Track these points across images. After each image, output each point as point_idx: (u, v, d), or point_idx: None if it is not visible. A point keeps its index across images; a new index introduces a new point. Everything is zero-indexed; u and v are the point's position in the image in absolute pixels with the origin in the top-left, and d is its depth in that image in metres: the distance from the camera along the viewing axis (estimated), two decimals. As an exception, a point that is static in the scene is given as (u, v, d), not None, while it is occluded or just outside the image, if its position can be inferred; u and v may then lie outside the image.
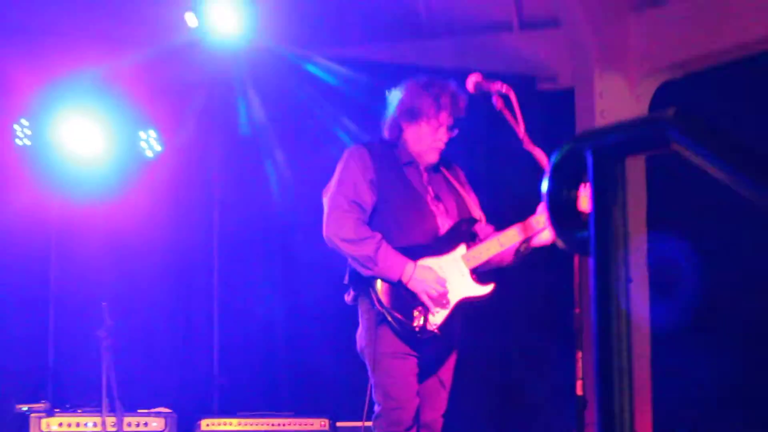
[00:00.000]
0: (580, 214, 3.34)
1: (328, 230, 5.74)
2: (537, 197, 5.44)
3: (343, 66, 9.58)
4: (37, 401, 7.88)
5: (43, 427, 7.62)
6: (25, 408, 7.74)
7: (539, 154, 5.41)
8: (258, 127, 9.09)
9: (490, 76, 5.67)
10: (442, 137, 5.81)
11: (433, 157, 5.86)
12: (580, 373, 5.30)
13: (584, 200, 3.25)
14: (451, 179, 5.96)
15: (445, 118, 5.77)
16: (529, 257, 5.91)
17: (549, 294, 8.96)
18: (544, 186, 3.69)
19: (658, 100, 9.17)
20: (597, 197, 2.99)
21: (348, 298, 5.85)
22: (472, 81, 5.60)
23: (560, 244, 4.23)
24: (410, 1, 9.91)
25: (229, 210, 9.07)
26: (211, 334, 9.11)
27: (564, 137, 4.08)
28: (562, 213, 3.33)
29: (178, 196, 8.98)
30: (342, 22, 9.80)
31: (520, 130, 5.47)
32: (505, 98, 5.50)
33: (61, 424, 7.67)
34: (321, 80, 9.27)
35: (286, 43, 9.52)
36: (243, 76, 9.21)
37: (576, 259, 5.28)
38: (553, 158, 3.38)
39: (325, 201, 5.81)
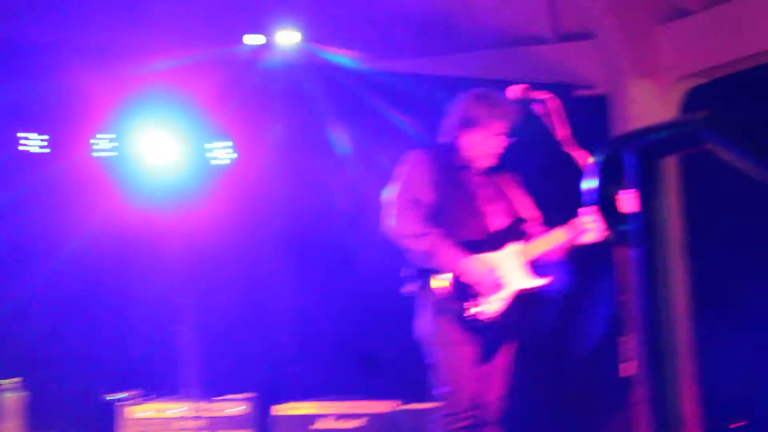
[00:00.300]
0: (618, 210, 3.48)
1: (390, 226, 5.80)
2: (578, 196, 5.53)
3: (395, 78, 9.63)
4: (123, 391, 8.01)
5: (130, 414, 7.77)
6: (113, 397, 7.88)
7: (580, 156, 5.46)
8: (323, 134, 9.12)
9: (531, 85, 5.69)
10: (494, 144, 5.82)
11: (486, 162, 5.87)
12: (624, 357, 5.29)
13: (622, 200, 3.39)
14: (504, 182, 5.98)
15: (497, 126, 5.78)
16: (574, 253, 5.88)
17: (593, 285, 9.01)
18: (590, 184, 3.80)
19: (687, 104, 9.21)
20: (640, 193, 3.13)
21: (407, 290, 5.87)
22: (515, 90, 5.64)
23: (606, 237, 4.34)
24: (453, 18, 9.92)
25: (297, 211, 9.05)
26: (285, 326, 9.15)
27: (599, 141, 4.20)
28: (607, 208, 3.45)
29: (250, 201, 8.99)
30: (393, 37, 9.89)
31: (562, 134, 5.50)
32: (544, 104, 5.54)
33: (146, 412, 7.81)
34: (375, 91, 9.28)
35: (341, 57, 9.62)
36: (306, 88, 9.23)
37: (618, 252, 5.29)
38: (597, 159, 3.49)
39: (388, 199, 5.85)
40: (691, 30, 9.30)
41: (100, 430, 7.97)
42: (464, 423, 5.65)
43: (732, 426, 8.54)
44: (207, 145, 9.11)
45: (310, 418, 7.92)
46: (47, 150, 8.91)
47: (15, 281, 8.65)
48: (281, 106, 9.11)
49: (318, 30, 9.33)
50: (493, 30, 9.93)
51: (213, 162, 9.16)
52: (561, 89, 5.65)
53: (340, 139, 9.11)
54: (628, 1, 9.50)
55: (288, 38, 9.00)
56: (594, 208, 3.92)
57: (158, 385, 8.15)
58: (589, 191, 3.88)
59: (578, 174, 5.07)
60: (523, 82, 5.66)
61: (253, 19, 9.20)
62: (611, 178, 3.80)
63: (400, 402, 8.01)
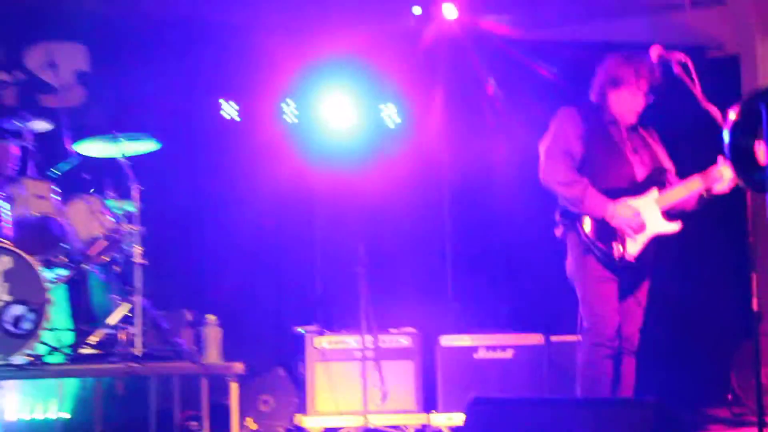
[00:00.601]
0: (756, 159, 3.71)
1: (544, 175, 5.95)
2: (714, 150, 5.67)
3: (548, 45, 9.78)
4: (309, 322, 8.37)
5: (315, 344, 8.07)
6: (301, 330, 8.21)
7: (715, 112, 5.37)
8: (483, 100, 9.24)
9: (668, 47, 5.70)
10: (640, 102, 5.94)
11: (632, 119, 5.99)
12: (754, 291, 5.35)
13: (759, 151, 3.59)
14: (647, 137, 6.09)
15: (643, 85, 5.89)
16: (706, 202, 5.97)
17: (724, 228, 9.01)
18: (726, 137, 4.06)
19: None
20: None
21: (558, 232, 6.06)
22: (655, 52, 5.67)
23: (741, 183, 4.52)
24: None
25: (459, 166, 9.20)
26: (445, 266, 9.35)
27: (731, 98, 4.40)
28: (743, 158, 3.69)
29: (414, 163, 9.15)
30: (545, 7, 10.02)
31: (698, 91, 5.49)
32: (684, 66, 5.52)
33: (329, 342, 8.08)
34: (531, 57, 9.31)
35: (499, 27, 9.77)
36: (466, 56, 9.35)
37: (749, 198, 5.34)
38: (733, 113, 3.73)
39: (542, 150, 6.01)
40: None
41: (290, 357, 8.26)
42: (608, 351, 5.82)
43: None
44: (381, 106, 9.31)
45: (473, 349, 8.03)
46: (237, 118, 9.16)
47: (215, 233, 8.93)
48: (445, 72, 9.29)
49: (473, 3, 9.53)
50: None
51: (383, 125, 9.33)
52: (696, 51, 5.68)
53: (498, 103, 9.24)
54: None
55: (450, 10, 9.15)
56: (730, 158, 4.13)
57: (338, 319, 8.40)
58: (727, 143, 4.09)
59: (714, 129, 5.28)
60: (662, 45, 5.70)
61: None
62: (748, 131, 4.01)
63: (545, 335, 8.03)
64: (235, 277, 8.82)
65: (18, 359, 6.58)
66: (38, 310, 6.61)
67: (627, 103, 5.97)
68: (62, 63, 8.56)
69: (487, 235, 9.26)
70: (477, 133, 9.14)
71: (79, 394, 7.92)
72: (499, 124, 8.93)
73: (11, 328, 6.56)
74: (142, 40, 9.10)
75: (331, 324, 8.35)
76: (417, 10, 9.02)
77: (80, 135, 7.65)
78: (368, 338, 7.99)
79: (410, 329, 8.20)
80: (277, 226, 9.15)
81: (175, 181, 8.65)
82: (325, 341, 8.09)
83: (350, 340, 8.08)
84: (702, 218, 6.16)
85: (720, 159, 5.73)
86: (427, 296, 9.08)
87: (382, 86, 9.24)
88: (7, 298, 6.55)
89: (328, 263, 8.99)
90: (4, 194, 7.07)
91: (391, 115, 9.32)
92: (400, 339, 8.13)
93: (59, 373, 7.14)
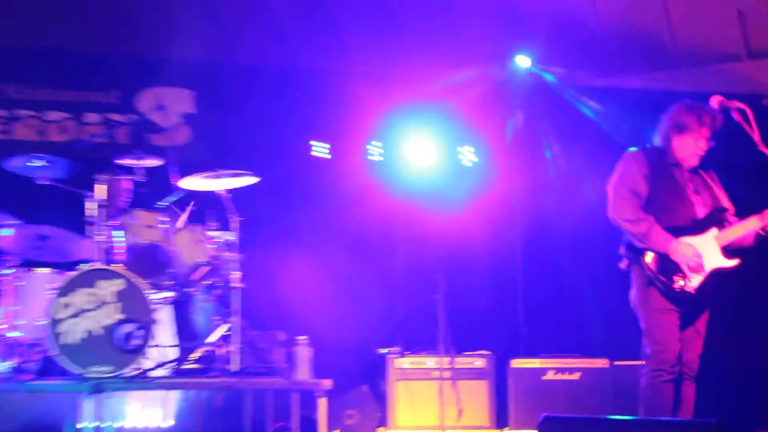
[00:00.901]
0: None
1: (612, 212, 5.88)
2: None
3: (609, 93, 9.75)
4: (391, 344, 8.39)
5: (397, 365, 8.12)
6: (384, 351, 8.25)
7: None
8: (553, 141, 9.30)
9: (727, 96, 5.64)
10: (702, 146, 5.89)
11: (694, 162, 5.93)
12: None
13: None
14: (707, 179, 6.01)
15: (705, 132, 5.84)
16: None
17: None
18: None
19: None
20: None
21: (623, 265, 5.96)
22: (716, 101, 5.61)
23: None
24: (661, 36, 9.92)
25: (528, 208, 9.25)
26: (517, 294, 9.33)
27: None
28: None
29: (489, 199, 9.16)
30: (604, 56, 10.04)
31: (756, 137, 5.44)
32: (742, 113, 5.46)
33: (410, 363, 8.12)
34: (591, 103, 9.39)
35: (563, 77, 9.82)
36: (535, 102, 9.46)
37: None
38: None
39: (610, 189, 5.93)
40: None
41: (374, 375, 8.29)
42: (669, 377, 5.75)
43: None
44: (458, 148, 9.34)
45: (543, 371, 8.01)
46: (328, 156, 9.26)
47: (307, 260, 8.91)
48: (518, 116, 9.30)
49: (545, 54, 9.60)
50: (694, 49, 9.98)
51: (460, 164, 9.35)
52: (752, 99, 5.65)
53: (560, 146, 9.29)
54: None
55: (523, 60, 9.22)
56: None
57: (418, 342, 8.37)
58: None
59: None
60: (720, 94, 5.66)
61: (495, 47, 9.51)
62: None
63: (610, 360, 7.99)
64: (324, 301, 8.80)
65: (128, 372, 6.69)
66: (146, 328, 6.73)
67: (690, 147, 5.91)
68: (170, 106, 8.77)
69: (557, 265, 9.08)
70: (546, 172, 9.13)
71: (182, 405, 8.08)
72: (567, 163, 8.93)
73: (122, 344, 6.73)
74: (241, 85, 9.25)
75: (411, 346, 8.34)
76: (523, 61, 9.11)
77: (186, 171, 7.73)
78: (445, 360, 8.00)
79: (485, 352, 8.17)
80: (363, 256, 9.14)
81: (271, 213, 8.68)
82: (406, 362, 8.11)
83: (429, 361, 8.07)
84: (762, 253, 6.15)
85: None
86: (500, 322, 9.09)
87: (460, 129, 9.26)
88: (118, 316, 6.71)
89: (409, 290, 8.98)
90: (118, 223, 7.24)
91: (468, 155, 9.33)
92: (475, 361, 8.12)
93: (164, 386, 7.21)
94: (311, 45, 9.99)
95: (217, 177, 7.56)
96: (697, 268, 5.76)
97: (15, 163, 7.44)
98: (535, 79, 9.37)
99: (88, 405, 6.70)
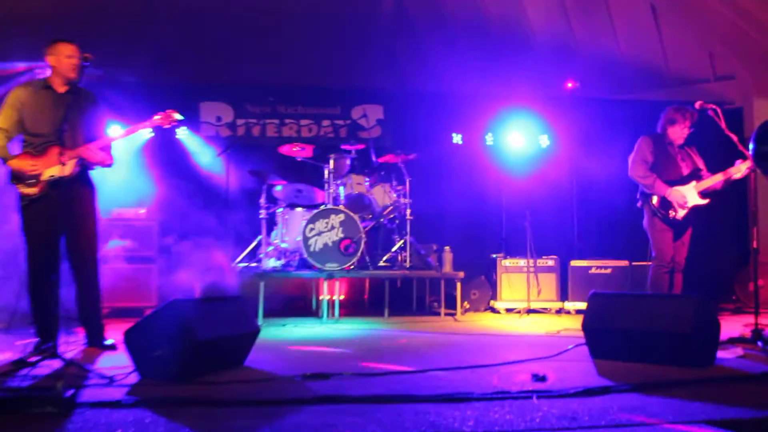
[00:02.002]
0: None
1: (631, 172, 5.83)
2: (732, 157, 5.48)
3: (629, 102, 9.49)
4: (498, 251, 8.32)
5: (502, 263, 8.01)
6: (494, 255, 8.17)
7: (733, 137, 5.27)
8: (595, 133, 9.00)
9: (705, 102, 5.46)
10: (685, 133, 5.79)
11: (680, 142, 5.83)
12: (755, 236, 5.10)
13: None
14: (690, 152, 5.89)
15: (687, 123, 5.76)
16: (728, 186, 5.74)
17: (737, 202, 8.79)
18: (751, 145, 3.99)
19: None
20: None
21: (639, 204, 5.90)
22: (698, 104, 5.44)
23: (762, 171, 4.39)
24: (660, 66, 9.78)
25: (580, 171, 9.02)
26: (573, 223, 9.08)
27: (738, 132, 4.14)
28: (762, 156, 3.59)
29: (556, 166, 8.98)
30: (623, 78, 9.79)
31: (723, 125, 5.23)
32: (715, 111, 5.28)
33: (509, 262, 8.01)
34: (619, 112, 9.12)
35: (600, 91, 9.57)
36: (584, 108, 9.20)
37: (753, 182, 5.14)
38: (756, 131, 3.64)
39: (630, 159, 5.86)
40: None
41: (488, 270, 8.20)
42: (666, 269, 5.70)
43: None
44: (539, 136, 9.11)
45: (589, 268, 7.88)
46: (461, 142, 9.19)
47: (452, 204, 8.92)
48: (573, 117, 9.10)
49: (585, 77, 9.39)
50: (683, 73, 9.73)
51: (540, 147, 9.13)
52: (719, 104, 5.47)
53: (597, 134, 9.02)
54: (755, 59, 9.12)
55: (572, 84, 8.99)
56: (754, 156, 4.03)
57: (515, 249, 8.27)
58: (752, 148, 4.01)
59: (732, 146, 5.10)
60: (701, 101, 5.50)
61: (556, 72, 9.38)
62: (765, 141, 3.99)
63: (630, 261, 7.78)
64: (459, 226, 8.75)
65: (347, 267, 6.86)
66: (357, 242, 6.90)
67: (677, 133, 5.81)
68: (370, 115, 8.91)
69: (598, 207, 8.80)
70: (589, 149, 8.84)
71: (377, 286, 8.29)
72: (605, 143, 8.72)
73: (343, 251, 6.96)
74: (411, 101, 9.36)
75: (510, 252, 8.26)
76: (572, 84, 8.96)
77: (379, 153, 7.84)
78: (531, 260, 7.91)
79: (554, 256, 8.03)
80: (483, 202, 9.06)
81: (428, 176, 8.63)
82: (507, 262, 8.01)
83: (521, 262, 7.98)
84: (724, 196, 5.96)
85: (737, 161, 5.57)
86: (563, 238, 8.86)
87: (539, 124, 9.05)
88: (341, 235, 6.90)
89: (509, 220, 8.78)
90: (341, 182, 7.46)
91: (544, 140, 9.16)
92: (548, 261, 7.99)
93: (368, 275, 7.37)
94: (451, 76, 10.03)
95: (397, 155, 7.63)
96: (683, 205, 5.70)
97: (284, 149, 7.66)
98: (578, 94, 9.12)
99: (324, 284, 7.00)
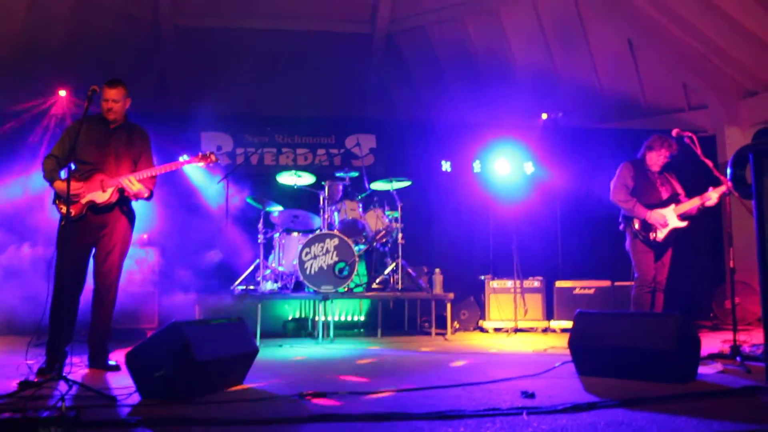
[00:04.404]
0: (746, 180, 3.66)
1: (612, 196, 5.84)
2: (707, 183, 5.49)
3: (610, 131, 9.52)
4: (486, 273, 8.25)
5: (490, 285, 8.01)
6: (482, 277, 8.12)
7: (708, 162, 5.26)
8: (577, 158, 9.07)
9: (682, 130, 5.43)
10: (662, 160, 5.80)
11: (657, 168, 5.83)
12: (731, 256, 5.13)
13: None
14: (668, 177, 5.87)
15: (664, 151, 5.76)
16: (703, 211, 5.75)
17: (711, 224, 8.80)
18: (728, 170, 4.05)
19: (755, 137, 9.06)
20: (755, 173, 3.37)
21: (621, 227, 5.88)
22: (675, 131, 5.38)
23: (737, 194, 4.42)
24: (636, 96, 9.85)
25: (564, 194, 9.04)
26: (557, 245, 9.10)
27: (712, 157, 4.16)
28: (738, 180, 3.64)
29: (541, 191, 8.95)
30: (603, 109, 9.88)
31: (699, 152, 5.24)
32: (691, 138, 5.29)
33: (497, 283, 8.00)
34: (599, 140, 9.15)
35: (583, 122, 9.63)
36: (566, 137, 9.26)
37: (728, 205, 5.15)
38: (733, 156, 3.72)
39: (612, 184, 5.87)
40: (758, 101, 9.07)
41: (477, 291, 8.16)
42: (647, 289, 5.67)
43: None
44: (524, 163, 9.09)
45: (573, 288, 7.87)
46: (450, 170, 9.22)
47: (439, 228, 8.93)
48: (557, 145, 9.13)
49: (567, 108, 9.45)
50: (659, 103, 9.83)
51: (525, 174, 9.12)
52: (693, 131, 5.49)
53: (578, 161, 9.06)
54: (725, 90, 9.27)
55: (557, 115, 9.06)
56: (731, 180, 4.08)
57: (501, 271, 8.23)
58: (730, 173, 4.06)
59: (707, 172, 5.11)
60: (677, 129, 5.46)
61: (540, 104, 9.40)
62: (741, 165, 4.01)
63: (612, 281, 7.77)
64: (448, 249, 8.73)
65: (340, 289, 6.79)
66: (351, 265, 6.81)
67: (655, 159, 5.81)
68: (363, 143, 8.90)
69: (582, 230, 8.78)
70: (573, 175, 8.90)
71: (370, 308, 8.25)
72: (587, 169, 8.76)
73: (338, 274, 6.89)
74: (401, 131, 9.40)
75: (498, 273, 8.21)
76: (556, 114, 9.01)
77: (372, 179, 7.79)
78: (517, 282, 7.89)
79: (539, 277, 8.01)
80: (470, 224, 9.02)
81: (419, 201, 8.60)
82: (495, 283, 7.99)
83: (508, 283, 7.97)
84: (700, 219, 5.97)
85: (710, 188, 5.60)
86: (548, 260, 8.85)
87: (524, 152, 9.06)
88: (336, 258, 6.84)
89: (497, 242, 8.73)
90: (336, 208, 7.43)
91: (529, 167, 9.15)
92: (534, 282, 7.98)
93: (360, 297, 7.41)
94: (439, 106, 10.10)
95: (389, 182, 7.65)
96: (664, 225, 5.69)
97: (281, 178, 7.64)
98: (561, 123, 9.17)
99: (320, 306, 6.94)
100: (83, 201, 4.59)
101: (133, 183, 4.63)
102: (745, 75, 9.09)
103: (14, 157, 7.76)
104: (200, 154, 4.96)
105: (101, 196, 4.61)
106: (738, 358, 4.67)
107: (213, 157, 4.96)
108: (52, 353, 4.34)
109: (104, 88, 4.68)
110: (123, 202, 4.74)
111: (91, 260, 4.67)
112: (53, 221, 4.59)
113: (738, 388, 3.71)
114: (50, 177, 4.58)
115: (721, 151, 9.23)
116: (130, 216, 4.82)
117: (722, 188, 5.51)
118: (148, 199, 4.81)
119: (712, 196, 5.57)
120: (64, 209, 4.49)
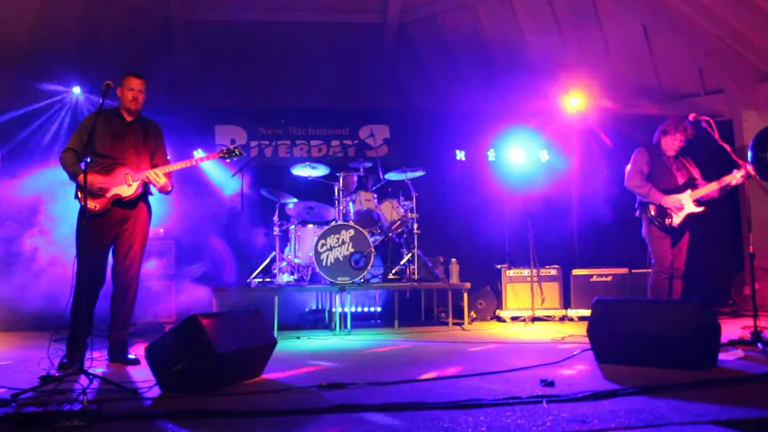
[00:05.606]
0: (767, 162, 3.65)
1: (627, 182, 5.78)
2: (726, 166, 5.43)
3: (622, 116, 9.48)
4: (503, 262, 8.24)
5: (506, 273, 7.98)
6: (499, 266, 8.08)
7: (726, 146, 5.23)
8: (595, 144, 9.02)
9: (699, 114, 5.46)
10: (678, 144, 5.72)
11: (673, 153, 5.76)
12: (751, 241, 5.06)
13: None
14: (685, 161, 5.80)
15: (680, 135, 5.68)
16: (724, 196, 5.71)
17: (733, 209, 8.72)
18: (749, 153, 3.95)
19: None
20: None
21: (637, 213, 5.84)
22: (692, 116, 5.39)
23: (757, 178, 4.37)
24: (651, 81, 9.76)
25: (581, 183, 9.02)
26: (573, 232, 9.08)
27: (729, 142, 4.12)
28: (760, 161, 3.59)
29: (555, 180, 8.95)
30: (620, 94, 9.80)
31: (716, 136, 5.24)
32: (708, 122, 5.28)
33: (513, 272, 7.97)
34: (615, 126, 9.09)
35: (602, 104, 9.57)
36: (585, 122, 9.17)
37: (747, 190, 5.10)
38: (753, 140, 3.63)
39: (627, 170, 5.81)
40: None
41: (494, 280, 8.14)
42: (665, 276, 5.64)
43: None
44: (539, 151, 9.06)
45: (590, 276, 7.84)
46: (464, 159, 9.24)
47: (455, 217, 8.92)
48: (574, 131, 9.09)
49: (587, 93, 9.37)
50: (674, 88, 9.72)
51: (541, 162, 9.10)
52: (710, 116, 5.43)
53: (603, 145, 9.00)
54: (742, 73, 9.14)
55: (576, 98, 8.97)
56: (753, 163, 4.00)
57: (518, 260, 8.24)
58: (751, 155, 3.99)
59: (726, 155, 5.05)
60: (695, 113, 5.49)
61: (556, 91, 9.39)
62: (761, 148, 3.97)
63: (629, 268, 7.73)
64: (465, 238, 8.70)
65: (356, 281, 6.83)
66: (367, 256, 6.85)
67: (671, 144, 5.75)
68: (377, 134, 8.91)
69: (597, 217, 8.67)
70: (590, 163, 8.87)
71: (386, 298, 8.26)
72: (603, 156, 8.70)
73: (354, 265, 6.92)
74: (415, 121, 9.38)
75: (514, 262, 8.21)
76: (569, 102, 8.90)
77: (387, 169, 7.80)
78: (534, 270, 7.87)
79: (556, 266, 7.99)
80: (486, 214, 9.00)
81: (434, 191, 8.60)
82: (512, 272, 7.97)
83: (525, 271, 7.94)
84: (717, 205, 5.90)
85: (734, 170, 5.49)
86: (564, 248, 8.85)
87: (539, 140, 9.02)
88: (352, 250, 6.88)
89: (513, 231, 8.75)
90: (350, 199, 7.45)
91: (544, 155, 9.14)
92: (551, 270, 7.95)
93: (377, 287, 7.42)
94: (453, 95, 10.03)
95: (403, 172, 7.65)
96: (679, 212, 5.64)
97: (296, 169, 7.66)
98: (576, 110, 9.11)
99: (337, 298, 6.95)
100: (108, 195, 4.58)
101: (159, 177, 4.65)
102: (762, 58, 8.95)
103: (28, 152, 7.81)
104: (225, 149, 4.97)
105: (127, 191, 4.61)
106: (759, 345, 4.63)
107: (237, 152, 4.96)
108: (73, 348, 4.36)
109: (129, 78, 4.69)
110: (144, 196, 4.77)
111: (110, 255, 4.67)
112: (74, 216, 4.57)
113: (760, 374, 3.68)
114: (72, 171, 4.55)
115: (738, 136, 9.11)
116: (150, 210, 4.84)
117: (744, 171, 5.44)
118: (169, 192, 4.82)
119: (736, 175, 5.47)
120: (89, 204, 4.47)
